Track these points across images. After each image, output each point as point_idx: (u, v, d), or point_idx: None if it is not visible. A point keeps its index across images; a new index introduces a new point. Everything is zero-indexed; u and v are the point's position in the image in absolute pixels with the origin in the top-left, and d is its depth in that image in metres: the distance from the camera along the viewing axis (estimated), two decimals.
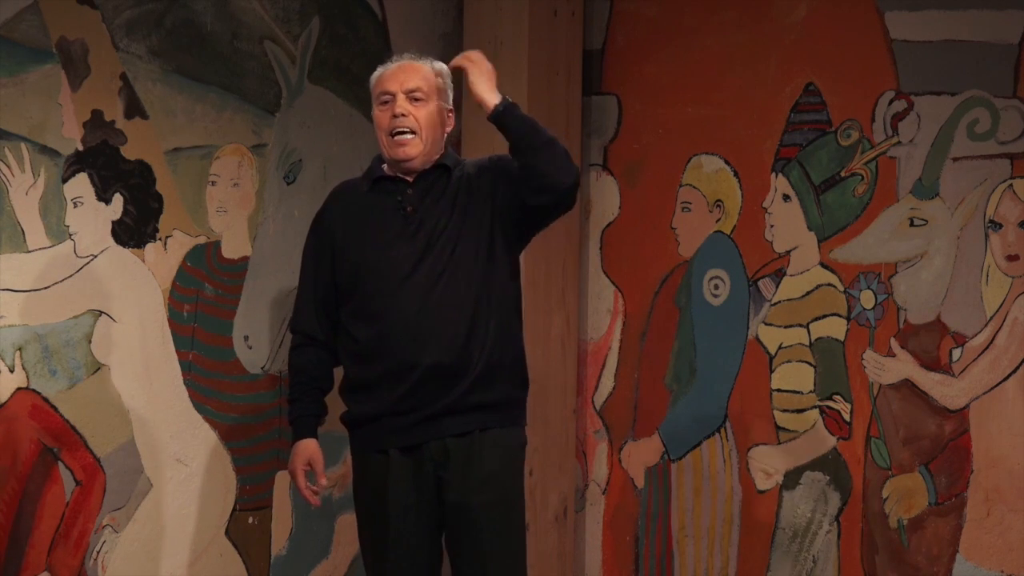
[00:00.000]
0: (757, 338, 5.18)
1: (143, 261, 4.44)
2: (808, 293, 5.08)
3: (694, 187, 5.30)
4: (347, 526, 5.05)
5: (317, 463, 4.00)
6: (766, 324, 5.16)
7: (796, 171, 5.09)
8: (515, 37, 5.19)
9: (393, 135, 3.90)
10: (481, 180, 3.96)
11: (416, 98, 3.91)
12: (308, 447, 4.01)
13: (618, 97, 5.45)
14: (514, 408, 4.00)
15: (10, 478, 4.13)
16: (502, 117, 3.85)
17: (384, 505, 3.90)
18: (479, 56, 3.91)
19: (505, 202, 3.93)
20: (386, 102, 3.92)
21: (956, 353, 4.83)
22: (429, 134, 3.92)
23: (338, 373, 4.08)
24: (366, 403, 3.93)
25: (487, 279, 3.91)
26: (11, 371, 4.13)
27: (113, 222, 4.36)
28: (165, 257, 4.50)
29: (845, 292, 5.01)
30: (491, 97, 3.86)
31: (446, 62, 4.05)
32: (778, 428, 5.13)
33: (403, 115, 3.89)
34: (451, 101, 4.02)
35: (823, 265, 5.06)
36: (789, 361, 5.12)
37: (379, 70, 4.00)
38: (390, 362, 3.86)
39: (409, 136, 3.90)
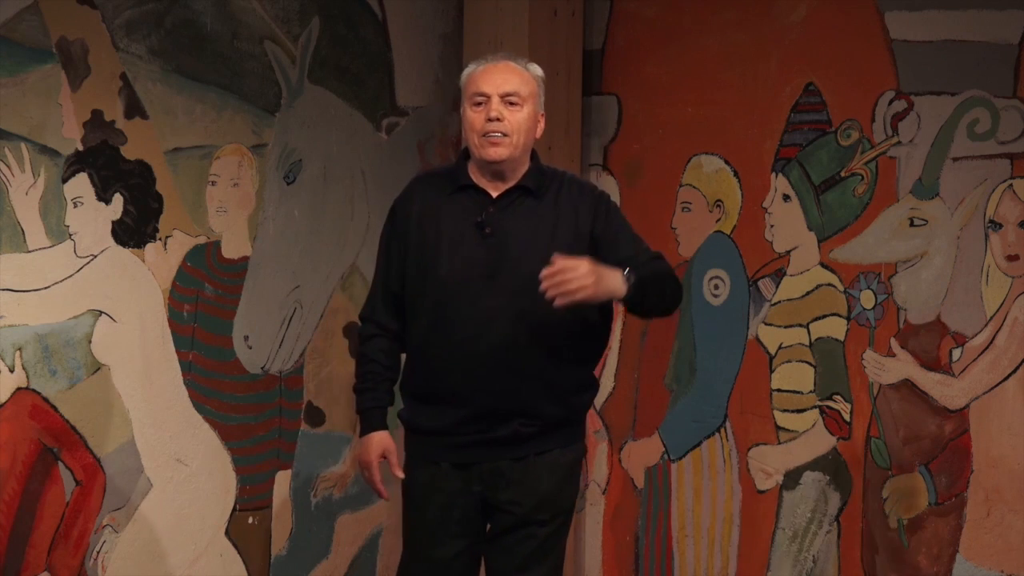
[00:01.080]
0: (757, 338, 5.18)
1: (143, 261, 4.44)
2: (808, 293, 5.08)
3: (694, 187, 5.30)
4: (347, 526, 5.05)
5: (392, 455, 3.88)
6: (766, 324, 5.16)
7: (796, 171, 5.09)
8: (515, 37, 5.18)
9: (485, 135, 3.79)
10: (583, 221, 3.82)
11: (512, 102, 3.79)
12: (383, 439, 3.87)
13: (618, 97, 5.45)
14: (575, 428, 3.92)
15: (10, 478, 4.13)
16: (631, 302, 3.72)
17: (423, 513, 3.85)
18: (580, 272, 3.56)
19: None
20: (480, 103, 3.80)
21: (956, 353, 4.83)
22: (521, 139, 3.80)
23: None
24: (424, 417, 3.84)
25: (563, 308, 3.71)
26: (11, 371, 4.13)
27: (113, 222, 4.36)
28: (165, 257, 4.50)
29: (845, 292, 5.01)
30: (618, 290, 3.65)
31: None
32: (778, 428, 5.13)
33: (498, 119, 3.77)
34: (543, 106, 3.89)
35: (823, 265, 5.06)
36: (789, 361, 5.12)
37: (473, 67, 3.88)
38: (450, 384, 3.78)
39: (501, 138, 3.78)
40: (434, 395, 3.81)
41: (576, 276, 3.55)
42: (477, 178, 3.85)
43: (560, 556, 3.92)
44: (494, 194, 3.83)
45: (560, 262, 3.57)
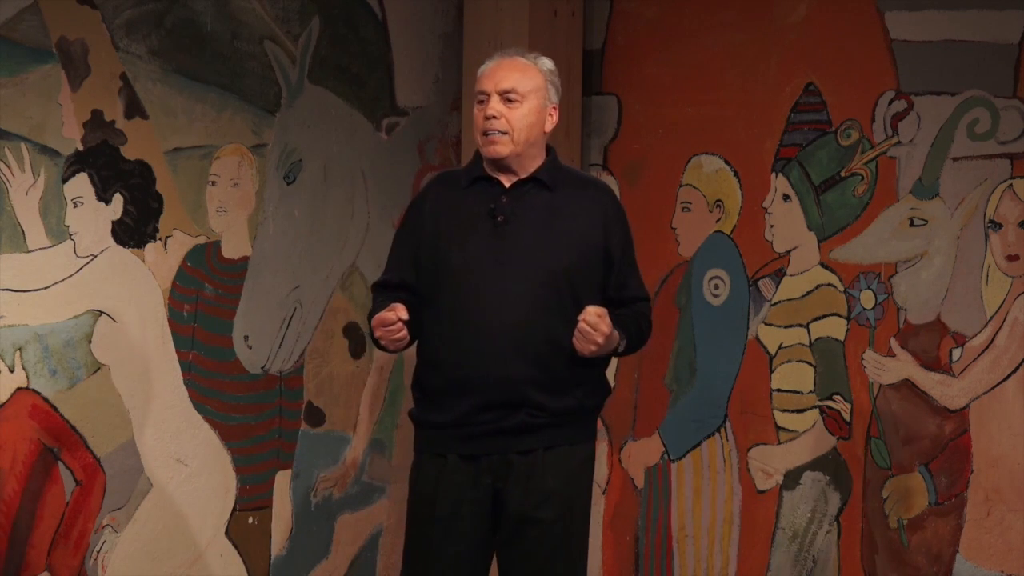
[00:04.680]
0: (757, 338, 5.18)
1: (143, 261, 4.44)
2: (808, 293, 5.09)
3: (694, 187, 5.30)
4: (347, 526, 5.05)
5: (401, 310, 3.77)
6: (766, 324, 5.16)
7: (796, 171, 5.09)
8: (515, 37, 5.18)
9: (485, 134, 3.82)
10: (601, 234, 3.88)
11: (510, 99, 3.80)
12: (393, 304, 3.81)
13: (618, 97, 5.45)
14: (584, 425, 3.92)
15: (10, 478, 4.13)
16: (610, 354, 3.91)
17: (432, 509, 3.83)
18: (602, 332, 3.78)
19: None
20: (481, 101, 3.83)
21: (956, 353, 4.83)
22: (522, 135, 3.81)
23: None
24: (435, 411, 3.85)
25: (572, 298, 3.80)
26: (11, 371, 4.13)
27: (113, 222, 4.36)
28: (165, 257, 4.50)
29: (845, 292, 5.02)
30: (608, 352, 3.86)
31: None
32: (778, 428, 5.14)
33: (494, 117, 3.80)
34: (555, 98, 3.89)
35: (823, 265, 5.06)
36: (789, 361, 5.12)
37: (485, 63, 3.90)
38: (461, 373, 3.78)
39: (500, 135, 3.80)
40: (445, 387, 3.81)
41: (600, 333, 3.75)
42: (491, 172, 3.87)
43: (579, 558, 3.91)
44: (507, 184, 3.85)
45: (595, 318, 3.74)
